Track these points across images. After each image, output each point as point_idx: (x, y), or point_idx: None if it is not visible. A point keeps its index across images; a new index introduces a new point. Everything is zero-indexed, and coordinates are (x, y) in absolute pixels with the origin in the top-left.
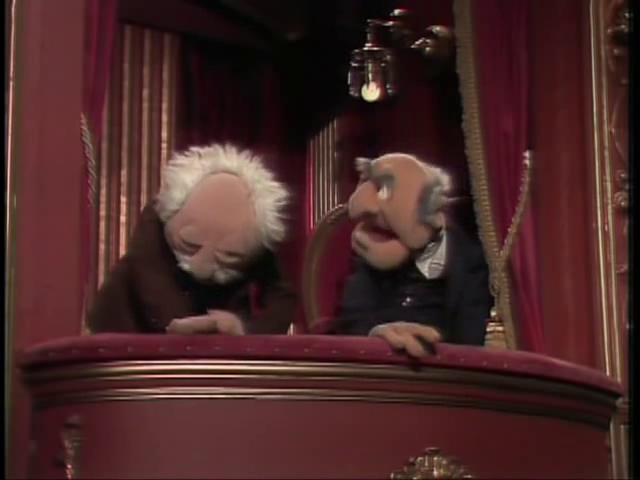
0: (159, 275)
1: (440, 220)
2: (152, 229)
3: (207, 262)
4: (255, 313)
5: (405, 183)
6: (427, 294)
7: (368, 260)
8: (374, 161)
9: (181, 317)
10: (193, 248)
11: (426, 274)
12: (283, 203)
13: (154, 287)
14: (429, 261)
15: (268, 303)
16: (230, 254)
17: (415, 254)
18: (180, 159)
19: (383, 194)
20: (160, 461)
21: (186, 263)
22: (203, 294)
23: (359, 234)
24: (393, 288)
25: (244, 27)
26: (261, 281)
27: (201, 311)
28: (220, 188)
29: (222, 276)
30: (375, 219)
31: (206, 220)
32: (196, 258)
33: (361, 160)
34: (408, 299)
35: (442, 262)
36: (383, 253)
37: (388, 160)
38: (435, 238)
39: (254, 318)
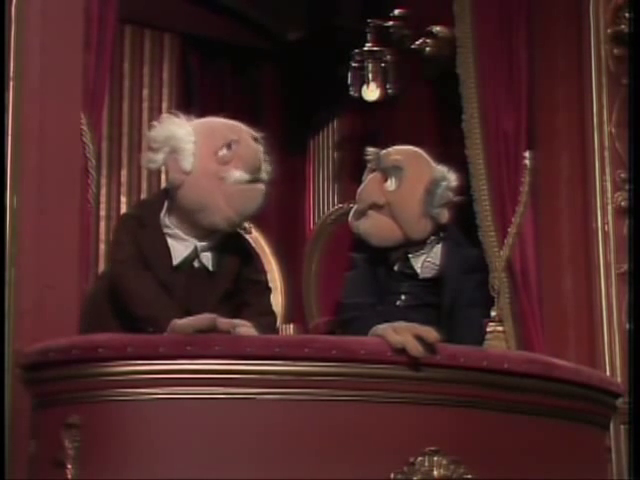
0: (147, 285)
1: (444, 216)
2: (130, 242)
3: (255, 150)
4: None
5: (413, 175)
6: (422, 293)
7: (363, 231)
8: (383, 151)
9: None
10: (231, 150)
11: (418, 271)
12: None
13: (144, 298)
14: (423, 258)
15: (251, 300)
16: (255, 139)
17: (411, 247)
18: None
19: (391, 185)
20: (160, 461)
21: (237, 173)
22: (193, 296)
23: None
24: (388, 285)
25: (244, 27)
26: (241, 277)
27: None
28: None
29: (266, 167)
30: (382, 210)
31: (222, 124)
32: (243, 151)
33: (370, 150)
34: (403, 297)
35: (437, 262)
36: (381, 226)
37: (397, 151)
38: (435, 235)
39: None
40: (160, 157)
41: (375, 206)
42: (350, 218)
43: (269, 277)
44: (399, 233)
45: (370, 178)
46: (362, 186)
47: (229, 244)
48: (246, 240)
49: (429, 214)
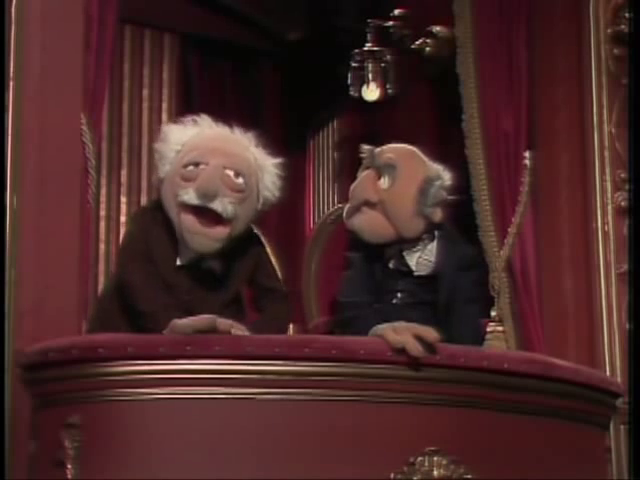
0: (148, 281)
1: (438, 215)
2: (141, 237)
3: (214, 177)
4: (252, 317)
5: (407, 173)
6: (417, 291)
7: (356, 227)
8: (377, 149)
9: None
10: (197, 169)
11: (413, 268)
12: (280, 167)
13: (144, 293)
14: (417, 255)
15: (265, 306)
16: (237, 174)
17: (405, 245)
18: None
19: (384, 183)
20: (160, 461)
21: (189, 193)
22: (197, 298)
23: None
24: (385, 283)
25: (244, 27)
26: (255, 283)
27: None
28: (220, 129)
29: (225, 202)
30: (375, 208)
31: (211, 144)
32: (203, 175)
33: (365, 147)
34: (399, 295)
35: (432, 259)
36: (373, 222)
37: (391, 149)
38: (429, 232)
39: (254, 322)
40: (160, 152)
41: (368, 203)
42: (344, 215)
43: None
44: (392, 230)
45: (364, 175)
46: (355, 183)
47: (241, 248)
48: (261, 245)
49: (422, 213)
